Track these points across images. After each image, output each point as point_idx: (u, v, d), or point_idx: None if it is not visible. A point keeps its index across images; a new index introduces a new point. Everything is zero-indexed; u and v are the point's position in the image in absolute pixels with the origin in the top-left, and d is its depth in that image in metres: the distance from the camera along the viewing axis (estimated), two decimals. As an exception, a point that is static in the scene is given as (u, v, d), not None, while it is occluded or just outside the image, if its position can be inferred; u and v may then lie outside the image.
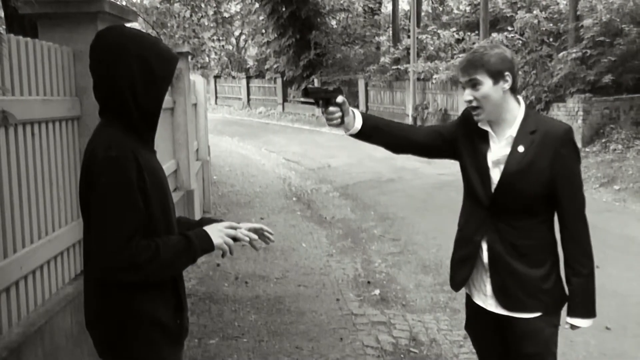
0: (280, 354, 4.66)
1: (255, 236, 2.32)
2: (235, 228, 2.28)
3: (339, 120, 2.71)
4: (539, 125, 2.63)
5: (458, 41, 22.21)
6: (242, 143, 19.46)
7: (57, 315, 3.42)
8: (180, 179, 7.62)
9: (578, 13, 16.50)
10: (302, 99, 28.25)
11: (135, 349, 2.13)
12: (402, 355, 4.69)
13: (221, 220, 2.34)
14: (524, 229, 2.65)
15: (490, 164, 2.68)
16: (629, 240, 7.67)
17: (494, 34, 18.76)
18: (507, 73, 2.59)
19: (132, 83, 2.08)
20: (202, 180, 9.50)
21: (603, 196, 10.50)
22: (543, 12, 18.87)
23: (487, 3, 19.89)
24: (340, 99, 2.69)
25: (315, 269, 6.84)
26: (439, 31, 23.28)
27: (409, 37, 23.03)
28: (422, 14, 28.35)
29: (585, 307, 2.68)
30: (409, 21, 23.41)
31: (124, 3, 11.40)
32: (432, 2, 31.86)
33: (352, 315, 5.44)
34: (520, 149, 2.60)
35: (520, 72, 15.16)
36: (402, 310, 5.60)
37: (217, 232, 2.21)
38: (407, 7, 29.32)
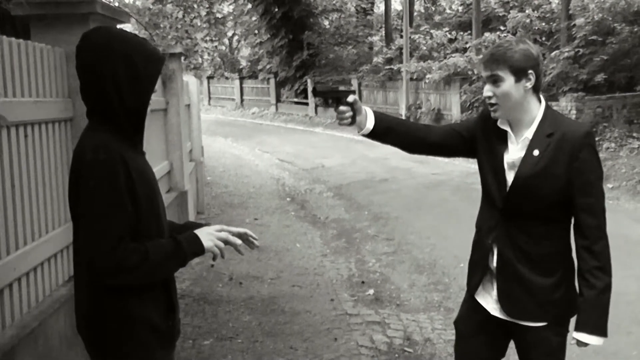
0: (275, 354, 4.65)
1: (239, 241, 2.30)
2: (223, 231, 2.26)
3: (350, 119, 2.63)
4: (557, 128, 2.49)
5: (451, 41, 22.31)
6: (236, 144, 19.42)
7: (51, 317, 3.41)
8: (174, 180, 7.61)
9: (570, 12, 16.60)
10: (295, 100, 28.34)
11: (127, 351, 2.12)
12: (396, 355, 4.69)
13: (207, 224, 2.32)
14: (536, 235, 2.55)
15: (506, 165, 2.58)
16: (623, 238, 7.68)
17: (487, 34, 18.85)
18: (530, 71, 2.47)
19: (118, 83, 2.06)
20: (196, 181, 9.49)
21: (596, 194, 10.52)
22: (535, 12, 19.00)
23: (480, 3, 19.97)
24: (351, 98, 2.60)
25: (310, 269, 6.83)
26: (431, 31, 23.39)
27: (401, 37, 23.08)
28: (415, 13, 28.46)
29: (594, 323, 2.51)
30: (402, 21, 23.45)
31: (116, 4, 11.38)
32: (425, 2, 31.99)
33: (346, 315, 5.44)
34: (535, 152, 2.49)
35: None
36: (396, 310, 5.61)
37: (207, 235, 2.20)
38: (399, 7, 29.39)
